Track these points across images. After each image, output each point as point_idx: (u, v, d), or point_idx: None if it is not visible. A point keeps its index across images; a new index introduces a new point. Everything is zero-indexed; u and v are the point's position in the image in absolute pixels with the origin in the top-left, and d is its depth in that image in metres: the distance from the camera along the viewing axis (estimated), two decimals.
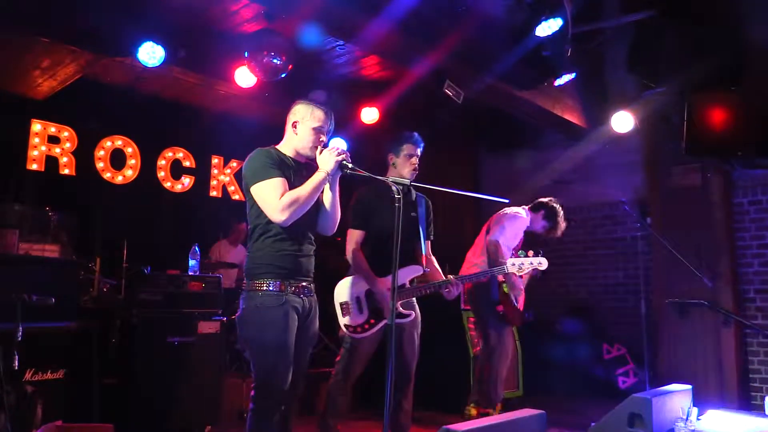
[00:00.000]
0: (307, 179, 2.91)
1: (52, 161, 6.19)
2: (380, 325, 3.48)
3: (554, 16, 4.11)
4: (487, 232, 4.81)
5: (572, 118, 6.44)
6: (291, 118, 3.02)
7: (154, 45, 4.82)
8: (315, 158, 2.95)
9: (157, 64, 4.92)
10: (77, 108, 6.19)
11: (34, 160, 6.07)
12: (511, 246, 4.80)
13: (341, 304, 3.51)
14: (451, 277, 3.56)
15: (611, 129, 6.13)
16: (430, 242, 3.81)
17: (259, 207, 2.87)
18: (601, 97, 6.38)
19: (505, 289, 4.77)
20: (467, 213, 7.64)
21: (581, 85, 6.15)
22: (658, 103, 5.92)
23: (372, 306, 3.49)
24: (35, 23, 4.56)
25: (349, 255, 3.61)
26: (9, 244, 4.67)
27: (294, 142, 3.01)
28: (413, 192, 3.68)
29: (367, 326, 3.46)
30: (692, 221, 5.78)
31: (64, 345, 3.97)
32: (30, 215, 5.34)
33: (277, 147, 3.05)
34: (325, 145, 2.92)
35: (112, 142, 6.60)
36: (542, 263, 3.67)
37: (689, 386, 3.42)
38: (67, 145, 6.29)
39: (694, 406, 3.05)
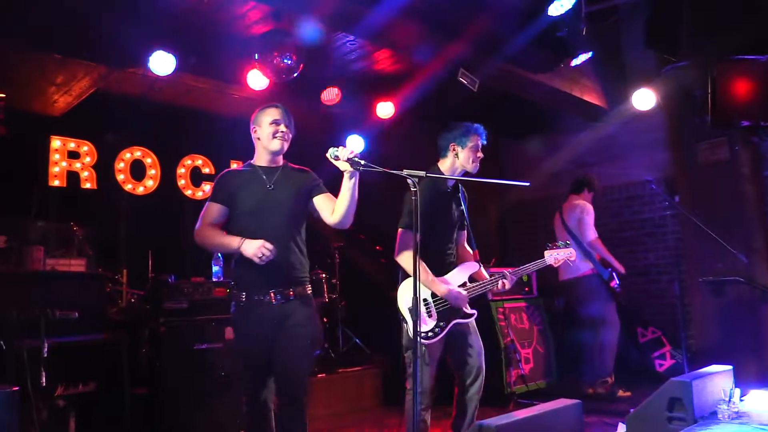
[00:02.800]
0: (283, 180, 3.15)
1: (73, 176, 6.20)
2: (449, 327, 3.39)
3: None
4: (566, 229, 5.70)
5: (592, 98, 6.31)
6: (252, 128, 3.24)
7: (165, 53, 4.83)
8: (280, 152, 3.19)
9: (169, 73, 4.94)
10: (95, 122, 6.18)
11: (55, 176, 6.11)
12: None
13: (410, 310, 3.32)
14: (507, 271, 3.53)
15: (632, 107, 6.00)
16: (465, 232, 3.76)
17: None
18: (620, 76, 6.24)
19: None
20: (490, 200, 7.55)
21: (599, 64, 6.01)
22: (679, 77, 5.73)
23: (439, 308, 3.40)
24: (46, 40, 4.58)
25: (402, 258, 3.43)
26: (35, 259, 4.71)
27: (260, 147, 3.21)
28: (459, 186, 3.62)
29: (437, 330, 3.35)
30: (722, 196, 5.60)
31: (94, 358, 3.99)
32: (54, 231, 5.37)
33: (252, 162, 3.26)
34: (336, 157, 2.87)
35: (131, 154, 6.61)
36: (572, 253, 3.71)
37: (730, 367, 3.31)
38: (87, 159, 6.30)
39: (735, 387, 2.95)
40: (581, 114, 6.51)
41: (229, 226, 3.14)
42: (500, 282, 3.49)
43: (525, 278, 5.65)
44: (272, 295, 3.03)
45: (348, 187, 2.98)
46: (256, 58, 4.95)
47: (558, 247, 3.69)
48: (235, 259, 3.14)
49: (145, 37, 4.75)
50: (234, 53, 5.29)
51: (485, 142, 3.59)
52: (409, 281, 3.40)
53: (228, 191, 3.12)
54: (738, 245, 5.16)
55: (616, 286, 5.46)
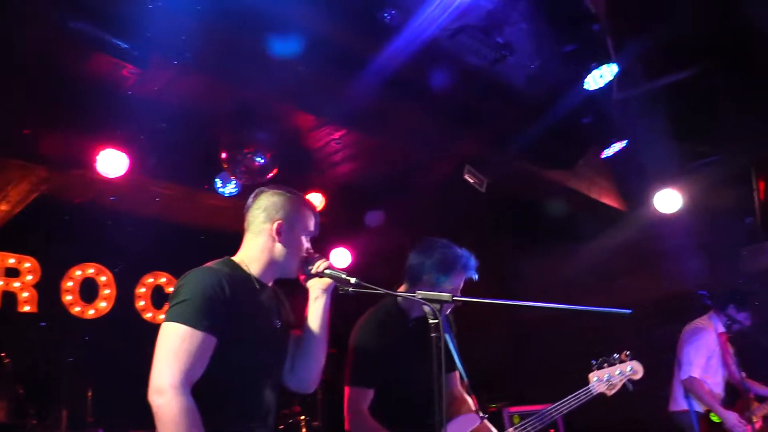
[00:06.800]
0: (279, 307, 2.08)
1: (9, 298, 5.41)
2: None
3: (608, 62, 3.25)
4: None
5: (610, 201, 5.75)
6: (267, 214, 2.06)
7: (115, 152, 4.12)
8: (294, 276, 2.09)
9: (121, 174, 4.21)
10: (39, 234, 5.47)
11: None
12: (714, 365, 4.29)
13: None
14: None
15: (656, 210, 5.39)
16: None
17: None
18: (640, 175, 5.59)
19: (714, 418, 4.17)
20: (496, 319, 6.60)
21: (616, 164, 5.39)
22: (710, 174, 5.11)
23: None
24: None
25: (354, 426, 2.41)
26: None
27: (274, 253, 2.04)
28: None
29: None
30: None
31: None
32: None
33: (235, 259, 2.07)
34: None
35: (83, 271, 5.85)
36: (637, 371, 2.71)
37: None
38: (29, 277, 5.54)
39: None
40: (600, 218, 5.82)
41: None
42: None
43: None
44: None
45: (316, 314, 2.01)
46: (224, 157, 4.22)
47: (613, 363, 2.69)
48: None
49: (91, 134, 4.08)
50: (202, 155, 4.67)
51: (476, 276, 2.62)
52: None
53: (219, 312, 1.87)
54: None
55: None
